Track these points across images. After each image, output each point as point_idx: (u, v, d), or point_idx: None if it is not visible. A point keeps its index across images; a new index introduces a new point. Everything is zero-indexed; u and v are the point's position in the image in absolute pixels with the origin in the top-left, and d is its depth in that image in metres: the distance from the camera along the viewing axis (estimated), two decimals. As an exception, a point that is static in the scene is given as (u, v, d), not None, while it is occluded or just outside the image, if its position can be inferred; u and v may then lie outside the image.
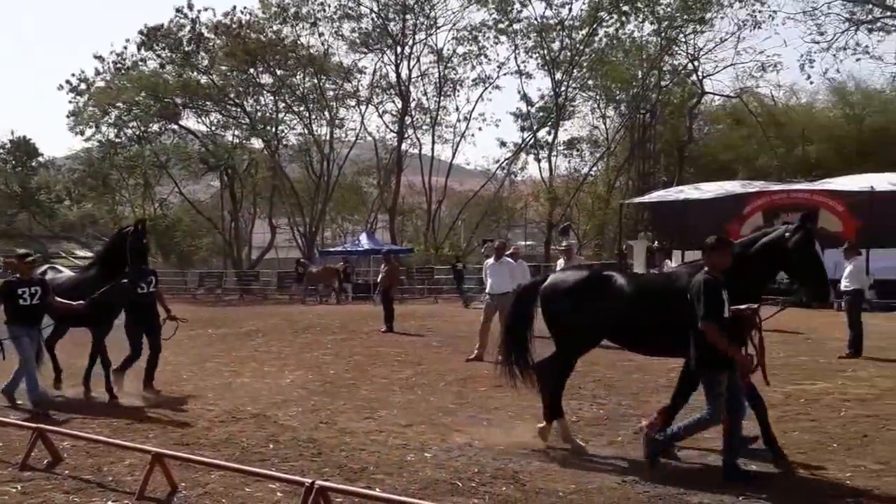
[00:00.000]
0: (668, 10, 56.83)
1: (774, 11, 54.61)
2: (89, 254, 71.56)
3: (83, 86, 64.64)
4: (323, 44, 63.49)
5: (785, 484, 8.91)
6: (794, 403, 13.08)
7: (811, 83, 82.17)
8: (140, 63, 63.71)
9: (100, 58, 64.63)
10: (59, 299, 13.49)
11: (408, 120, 64.86)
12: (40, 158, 77.91)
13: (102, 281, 14.13)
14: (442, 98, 65.62)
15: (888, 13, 49.07)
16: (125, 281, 14.21)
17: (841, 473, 9.15)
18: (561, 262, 23.24)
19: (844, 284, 19.55)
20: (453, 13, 72.90)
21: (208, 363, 18.77)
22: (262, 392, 14.46)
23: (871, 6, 49.37)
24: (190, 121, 66.94)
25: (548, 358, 10.70)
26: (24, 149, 76.18)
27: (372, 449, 10.51)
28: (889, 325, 24.30)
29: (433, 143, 66.35)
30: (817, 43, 51.93)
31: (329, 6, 61.65)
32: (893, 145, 50.93)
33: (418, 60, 64.54)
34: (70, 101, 65.01)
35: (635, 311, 10.01)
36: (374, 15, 62.36)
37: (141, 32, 62.16)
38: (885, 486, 8.75)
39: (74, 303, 13.43)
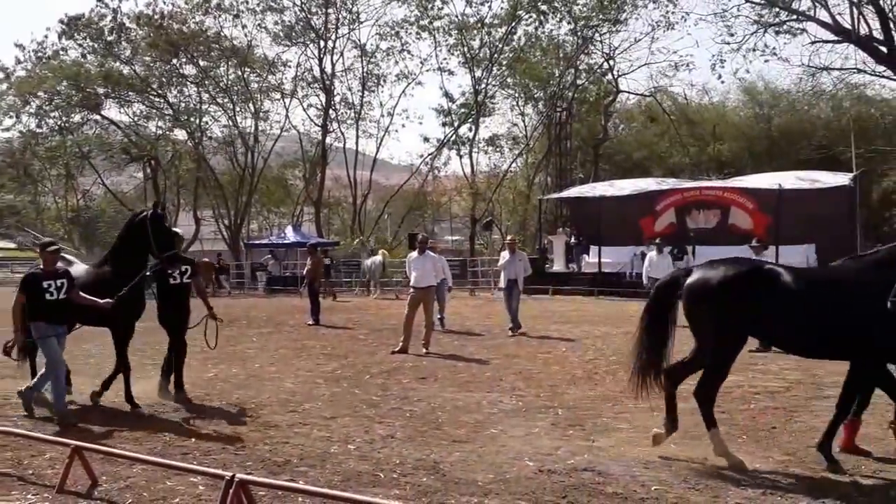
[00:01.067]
0: (585, 10, 57.66)
1: (687, 13, 56.89)
2: (10, 245, 70.61)
3: (2, 75, 63.80)
4: (246, 36, 63.39)
5: (695, 475, 9.00)
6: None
7: (722, 83, 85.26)
8: (61, 52, 62.93)
9: (20, 46, 64.20)
10: (83, 295, 12.04)
11: (332, 114, 64.92)
12: (-42, 148, 76.75)
13: (121, 276, 12.53)
14: (366, 93, 65.91)
15: (793, 17, 50.08)
16: (151, 273, 13.36)
17: (749, 464, 9.29)
18: (504, 255, 23.47)
19: None
20: (375, 9, 72.94)
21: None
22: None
23: (777, 10, 50.39)
24: (112, 111, 66.28)
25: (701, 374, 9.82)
26: (-58, 137, 74.97)
27: (295, 442, 10.51)
28: None
29: (357, 137, 66.39)
30: (727, 44, 52.61)
31: (252, -2, 61.27)
32: (800, 144, 53.02)
33: (342, 55, 64.86)
34: (-11, 91, 64.03)
35: (812, 310, 9.12)
36: (296, 8, 62.34)
37: (61, 21, 61.48)
38: (791, 475, 8.98)
39: (101, 300, 12.00)
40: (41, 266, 12.03)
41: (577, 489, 8.46)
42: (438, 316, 22.97)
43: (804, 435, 10.64)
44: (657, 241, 27.91)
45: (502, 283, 23.44)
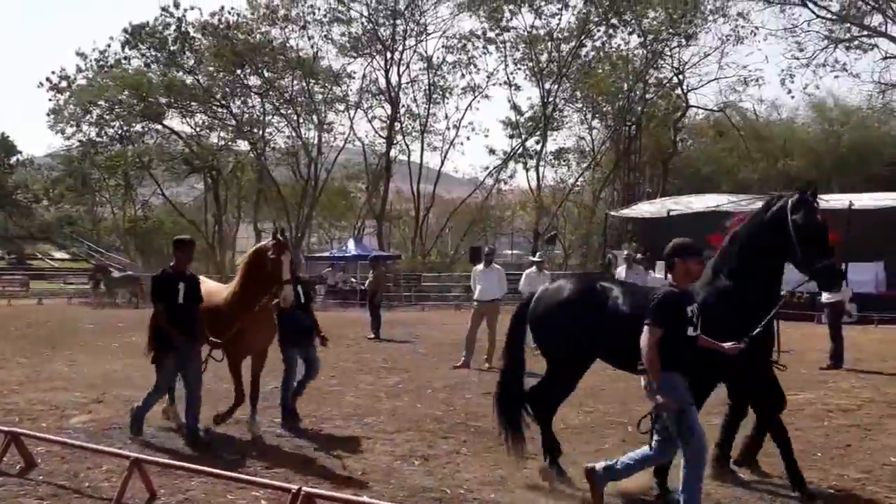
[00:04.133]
0: (654, 23, 57.41)
1: (756, 28, 55.63)
2: (65, 255, 70.97)
3: (64, 83, 64.40)
4: (312, 47, 63.50)
5: (770, 492, 8.84)
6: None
7: (792, 98, 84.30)
8: (124, 61, 63.63)
9: (82, 55, 64.74)
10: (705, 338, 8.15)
11: (397, 126, 64.70)
12: (18, 156, 77.58)
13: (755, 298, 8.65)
14: (431, 105, 65.72)
15: (864, 32, 50.23)
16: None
17: (825, 483, 9.22)
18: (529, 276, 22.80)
19: (826, 297, 19.71)
20: (443, 21, 72.86)
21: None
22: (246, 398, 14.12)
23: (848, 25, 50.42)
24: (174, 121, 66.76)
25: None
26: (1, 146, 75.91)
27: (359, 456, 10.35)
28: (868, 337, 25.11)
29: (422, 150, 66.38)
30: (797, 59, 53.31)
31: (319, 9, 61.82)
32: (870, 161, 52.16)
33: (408, 67, 64.60)
34: (50, 99, 64.82)
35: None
36: (364, 19, 62.44)
37: (125, 31, 62.22)
38: (868, 494, 8.91)
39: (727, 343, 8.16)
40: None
41: (649, 504, 8.22)
42: None
43: (879, 453, 10.60)
44: (625, 254, 26.87)
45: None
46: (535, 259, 24.91)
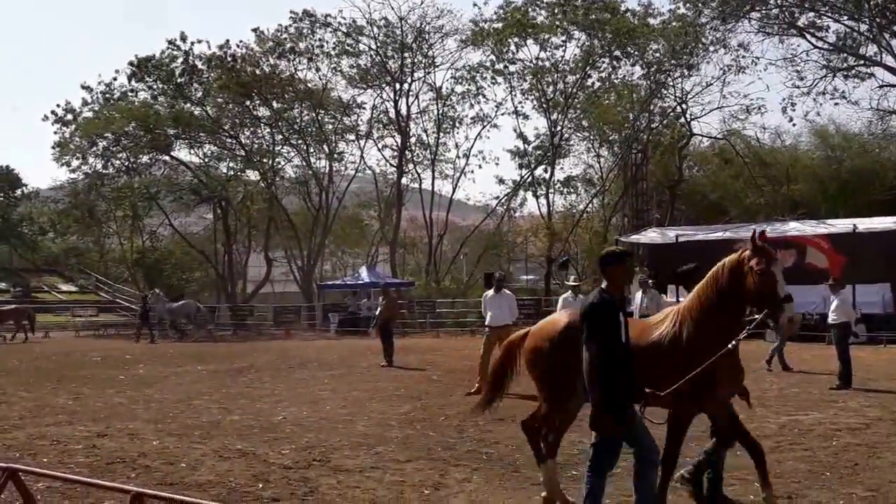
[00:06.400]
0: (657, 55, 57.83)
1: (757, 58, 56.06)
2: (72, 288, 70.85)
3: (69, 116, 64.28)
4: (321, 79, 63.49)
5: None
6: (787, 434, 13.42)
7: (794, 125, 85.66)
8: (130, 94, 63.56)
9: (87, 88, 64.45)
10: None
11: (408, 155, 64.65)
12: (23, 189, 77.67)
13: None
14: (441, 135, 65.49)
15: (861, 62, 51.50)
16: None
17: (833, 501, 9.34)
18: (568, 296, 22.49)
19: (832, 318, 20.48)
20: (451, 53, 72.67)
21: (195, 400, 18.15)
22: (253, 430, 13.90)
23: (845, 55, 51.68)
24: (182, 152, 66.63)
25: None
26: (6, 179, 76.28)
27: (367, 486, 10.17)
28: (877, 357, 25.82)
29: (433, 178, 66.03)
30: (798, 87, 53.78)
31: (328, 42, 61.90)
32: (872, 185, 52.85)
33: (417, 97, 64.51)
34: (55, 132, 64.50)
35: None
36: (372, 52, 62.45)
37: (131, 63, 61.95)
38: None
39: None
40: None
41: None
42: None
43: (887, 471, 10.73)
44: (639, 278, 26.56)
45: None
46: (571, 283, 24.47)
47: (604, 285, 7.76)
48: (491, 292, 20.18)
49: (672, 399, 7.96)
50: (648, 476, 7.65)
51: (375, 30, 61.53)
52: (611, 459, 7.60)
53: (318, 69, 62.89)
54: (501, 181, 66.97)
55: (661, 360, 8.23)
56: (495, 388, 10.00)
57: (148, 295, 47.15)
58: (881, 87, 50.76)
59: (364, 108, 65.25)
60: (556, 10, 57.49)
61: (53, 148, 64.27)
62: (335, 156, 65.00)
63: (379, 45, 61.75)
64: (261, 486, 10.23)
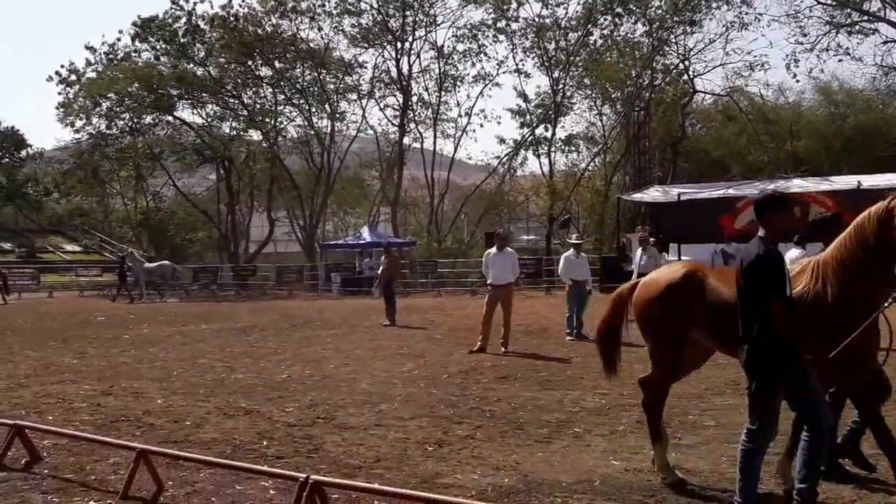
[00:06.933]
0: (659, 12, 57.79)
1: (760, 14, 56.88)
2: (76, 248, 70.90)
3: (73, 77, 64.50)
4: (323, 38, 63.51)
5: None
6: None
7: (797, 82, 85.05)
8: (134, 54, 63.71)
9: (91, 48, 64.71)
10: None
11: (409, 114, 64.78)
12: (28, 150, 77.56)
13: None
14: (443, 93, 65.66)
15: (865, 17, 51.47)
16: None
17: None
18: (570, 255, 22.58)
19: None
20: (452, 11, 72.58)
21: (200, 359, 18.18)
22: (257, 388, 13.97)
23: (849, 10, 51.55)
24: (185, 112, 66.81)
25: None
26: (11, 140, 76.05)
27: (371, 443, 10.16)
28: None
29: (435, 137, 66.31)
30: (801, 44, 54.20)
31: (329, 1, 61.73)
32: (875, 142, 53.12)
33: (419, 56, 64.67)
34: (59, 93, 64.54)
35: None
36: (374, 11, 62.41)
37: (135, 24, 62.10)
38: None
39: None
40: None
41: (664, 487, 8.17)
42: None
43: None
44: (640, 236, 26.50)
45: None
46: (573, 241, 24.55)
47: (761, 233, 7.03)
48: (493, 251, 20.02)
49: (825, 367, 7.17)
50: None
51: (377, -12, 60.99)
52: (773, 428, 7.10)
53: (319, 28, 63.11)
54: (502, 141, 67.25)
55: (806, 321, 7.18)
56: (611, 345, 9.67)
57: (125, 255, 47.19)
58: (885, 42, 51.07)
59: (366, 68, 65.70)
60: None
61: (57, 108, 64.58)
62: (337, 115, 65.25)
63: (380, 3, 61.69)
64: (265, 443, 10.24)
